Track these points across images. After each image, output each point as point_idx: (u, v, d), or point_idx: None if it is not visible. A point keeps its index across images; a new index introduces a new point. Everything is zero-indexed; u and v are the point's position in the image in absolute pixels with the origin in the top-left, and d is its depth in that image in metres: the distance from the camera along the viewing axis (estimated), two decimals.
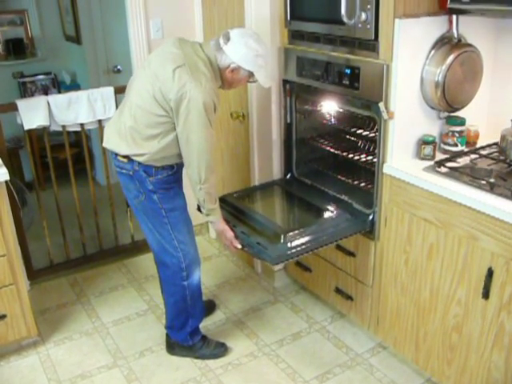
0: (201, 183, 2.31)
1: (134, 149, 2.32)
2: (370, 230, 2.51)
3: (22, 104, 3.06)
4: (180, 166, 2.43)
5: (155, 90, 2.22)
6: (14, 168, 4.54)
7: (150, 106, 2.25)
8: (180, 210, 2.49)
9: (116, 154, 2.40)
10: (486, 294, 2.05)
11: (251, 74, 2.35)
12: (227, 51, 2.27)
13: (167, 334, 2.77)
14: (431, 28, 2.22)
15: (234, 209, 2.64)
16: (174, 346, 2.76)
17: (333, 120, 2.94)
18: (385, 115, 2.26)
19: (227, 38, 2.28)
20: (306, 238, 2.33)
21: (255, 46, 2.28)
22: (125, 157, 2.36)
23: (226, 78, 2.36)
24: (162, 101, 2.21)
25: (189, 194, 2.50)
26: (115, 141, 2.39)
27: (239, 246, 2.46)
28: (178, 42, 2.32)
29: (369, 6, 2.18)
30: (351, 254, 2.68)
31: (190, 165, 2.29)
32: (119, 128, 2.37)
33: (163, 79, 2.21)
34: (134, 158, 2.33)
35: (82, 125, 3.30)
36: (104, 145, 2.46)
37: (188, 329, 2.68)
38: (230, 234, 2.47)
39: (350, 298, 2.79)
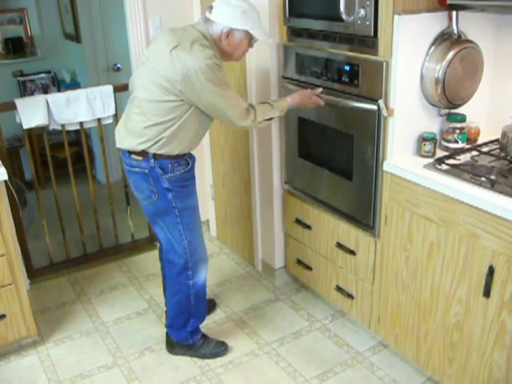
0: (253, 123, 2.33)
1: (151, 141, 2.30)
2: (371, 226, 2.51)
3: (20, 103, 3.05)
4: (193, 160, 2.44)
5: (160, 79, 2.21)
6: (14, 167, 4.54)
7: (159, 95, 2.24)
8: (192, 209, 2.49)
9: (130, 153, 2.38)
10: (487, 293, 2.03)
11: (248, 34, 2.31)
12: (214, 18, 2.26)
13: (167, 333, 2.76)
14: (431, 24, 2.20)
15: None
16: (174, 345, 2.75)
17: None
18: (384, 112, 2.25)
19: (210, 8, 2.28)
20: None
21: (239, 3, 2.26)
22: (140, 154, 2.34)
23: (224, 49, 2.33)
24: (170, 87, 2.20)
25: (197, 193, 2.54)
26: (129, 140, 2.36)
27: (320, 89, 2.50)
28: (168, 30, 2.33)
29: (368, 3, 2.16)
30: (352, 253, 2.67)
31: (233, 122, 2.31)
32: (131, 128, 2.36)
33: (164, 65, 2.20)
34: (151, 149, 2.31)
35: (81, 123, 3.29)
36: (117, 146, 2.44)
37: (188, 328, 2.67)
38: (304, 92, 2.52)
39: (350, 296, 2.78)
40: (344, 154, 2.58)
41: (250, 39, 2.36)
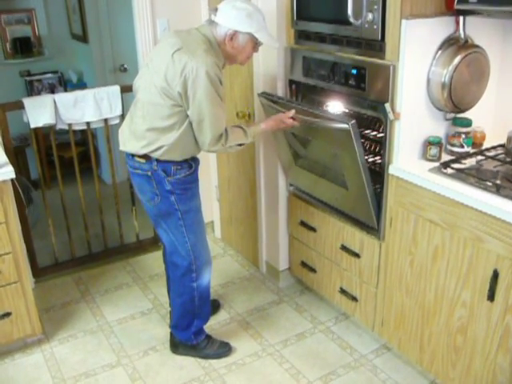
0: (222, 147, 2.33)
1: (152, 145, 2.30)
2: (376, 229, 2.51)
3: (28, 102, 3.07)
4: (197, 163, 2.45)
5: (160, 81, 2.22)
6: (20, 166, 4.56)
7: (159, 99, 2.25)
8: (195, 211, 2.49)
9: (132, 155, 2.39)
10: (491, 296, 2.04)
11: (252, 37, 2.31)
12: (219, 20, 2.27)
13: (171, 333, 2.77)
14: (438, 29, 2.21)
15: None
16: (178, 345, 2.76)
17: None
18: (391, 116, 2.26)
19: (215, 10, 2.29)
20: None
21: (244, 6, 2.26)
22: (143, 157, 2.35)
23: (227, 51, 2.32)
24: (169, 90, 2.21)
25: (202, 194, 2.55)
26: (132, 143, 2.37)
27: (293, 111, 2.48)
28: (172, 33, 2.34)
29: (375, 7, 2.17)
30: (356, 255, 2.68)
31: (205, 144, 2.30)
32: (134, 130, 2.37)
33: (165, 67, 2.21)
34: (153, 154, 2.32)
35: (88, 123, 3.31)
36: (121, 148, 2.45)
37: (193, 329, 2.68)
38: (277, 116, 2.52)
39: (354, 298, 2.78)
40: (333, 167, 2.59)
41: (255, 43, 2.35)
